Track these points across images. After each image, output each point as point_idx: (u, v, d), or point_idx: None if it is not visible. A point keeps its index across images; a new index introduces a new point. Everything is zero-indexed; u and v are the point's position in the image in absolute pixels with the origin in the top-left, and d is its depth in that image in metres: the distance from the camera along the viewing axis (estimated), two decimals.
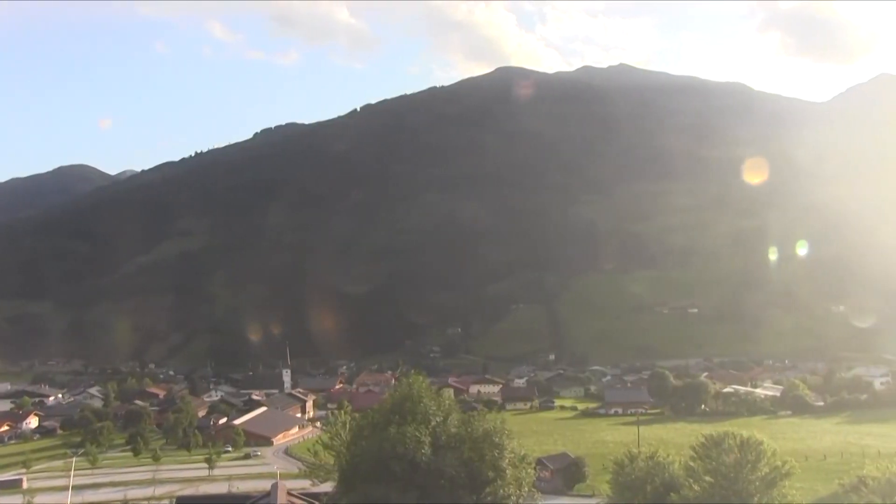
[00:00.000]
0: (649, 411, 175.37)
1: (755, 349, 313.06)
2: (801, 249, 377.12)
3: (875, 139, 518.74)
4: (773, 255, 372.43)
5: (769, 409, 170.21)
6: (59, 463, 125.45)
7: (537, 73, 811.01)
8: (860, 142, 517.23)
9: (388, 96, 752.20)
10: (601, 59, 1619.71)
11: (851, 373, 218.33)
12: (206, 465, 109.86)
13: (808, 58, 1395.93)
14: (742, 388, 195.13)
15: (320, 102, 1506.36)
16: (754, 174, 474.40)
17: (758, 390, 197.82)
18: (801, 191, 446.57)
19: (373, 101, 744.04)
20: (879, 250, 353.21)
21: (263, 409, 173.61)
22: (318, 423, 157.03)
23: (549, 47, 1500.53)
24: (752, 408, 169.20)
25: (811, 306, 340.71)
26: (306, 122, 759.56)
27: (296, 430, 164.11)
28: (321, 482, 65.52)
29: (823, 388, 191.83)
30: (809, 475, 75.89)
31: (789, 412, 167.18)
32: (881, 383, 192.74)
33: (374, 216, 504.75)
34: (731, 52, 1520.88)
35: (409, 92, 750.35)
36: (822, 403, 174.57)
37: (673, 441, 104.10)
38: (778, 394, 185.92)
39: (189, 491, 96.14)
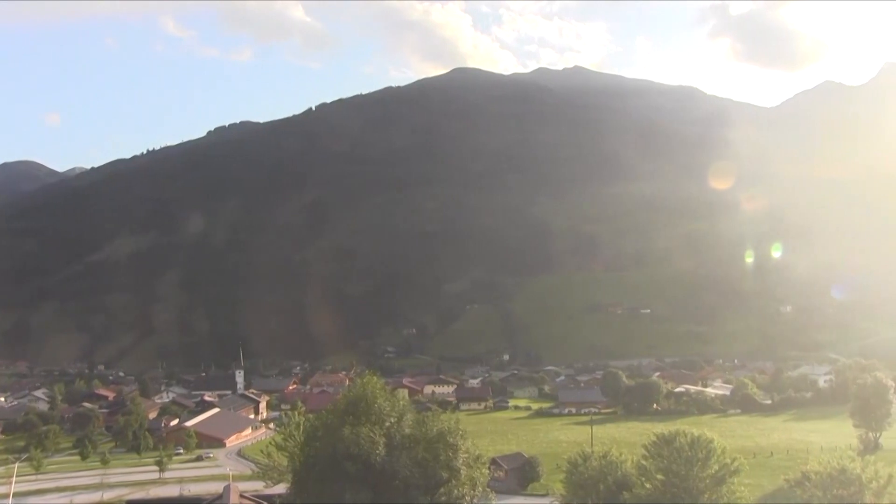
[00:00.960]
0: (602, 411, 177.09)
1: (706, 349, 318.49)
2: (751, 253, 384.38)
3: (820, 143, 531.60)
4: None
5: (719, 407, 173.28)
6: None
7: (493, 74, 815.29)
8: (807, 145, 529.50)
9: (344, 96, 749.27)
10: (556, 61, 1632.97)
11: (797, 372, 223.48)
12: (156, 467, 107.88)
13: (756, 64, 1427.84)
14: (693, 388, 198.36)
15: (274, 101, 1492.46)
16: (707, 177, 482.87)
17: (708, 389, 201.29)
18: (751, 193, 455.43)
19: (328, 101, 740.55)
20: (825, 252, 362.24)
21: (216, 410, 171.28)
22: (271, 425, 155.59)
23: (504, 49, 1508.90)
24: (702, 407, 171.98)
25: (760, 307, 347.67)
26: (260, 121, 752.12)
27: (249, 431, 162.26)
28: (274, 483, 64.96)
29: (771, 387, 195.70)
30: (757, 472, 77.40)
31: (738, 410, 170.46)
32: (825, 381, 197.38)
33: (329, 216, 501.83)
34: (683, 56, 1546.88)
35: (364, 92, 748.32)
36: (769, 402, 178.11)
37: (625, 440, 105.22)
38: (728, 393, 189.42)
39: (139, 494, 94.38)
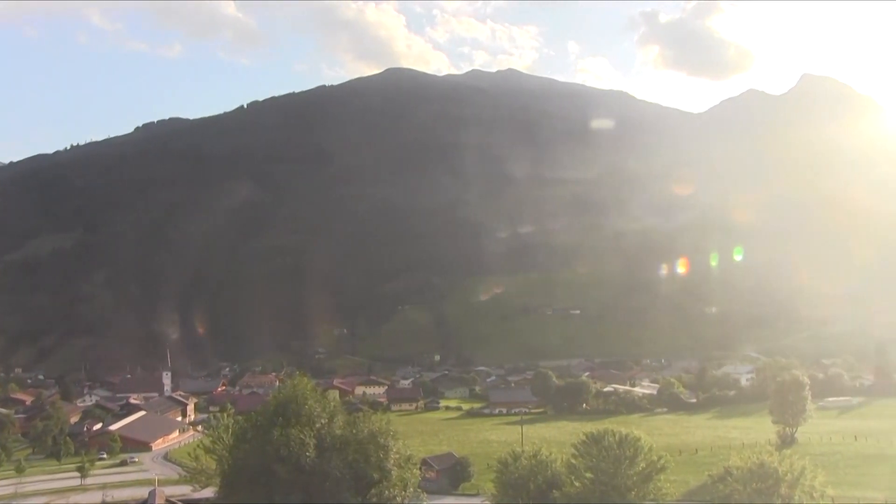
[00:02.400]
0: (533, 411, 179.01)
1: (634, 349, 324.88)
2: (683, 261, 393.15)
3: (745, 148, 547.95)
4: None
5: (646, 406, 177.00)
6: None
7: (427, 75, 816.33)
8: (732, 150, 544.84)
9: (276, 94, 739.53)
10: (489, 63, 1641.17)
11: (721, 371, 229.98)
12: (78, 474, 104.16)
13: (685, 71, 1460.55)
14: (621, 387, 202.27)
15: (205, 98, 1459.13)
16: (636, 179, 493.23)
17: (636, 389, 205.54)
18: (679, 196, 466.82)
19: (260, 99, 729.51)
20: (748, 254, 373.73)
21: (142, 413, 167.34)
22: (199, 427, 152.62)
23: (437, 50, 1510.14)
24: (630, 406, 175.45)
25: (685, 308, 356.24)
26: (191, 118, 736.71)
27: (176, 434, 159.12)
28: (202, 487, 63.72)
29: (696, 386, 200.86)
30: (682, 468, 79.38)
31: (665, 409, 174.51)
32: (747, 380, 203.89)
33: (260, 215, 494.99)
34: (613, 61, 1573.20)
35: (297, 90, 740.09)
36: (694, 400, 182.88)
37: (555, 439, 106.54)
38: (655, 392, 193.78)
39: (59, 503, 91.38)
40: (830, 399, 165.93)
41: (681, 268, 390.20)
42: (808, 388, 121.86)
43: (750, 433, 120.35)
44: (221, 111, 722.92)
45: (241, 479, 48.77)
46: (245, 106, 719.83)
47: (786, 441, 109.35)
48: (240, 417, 62.34)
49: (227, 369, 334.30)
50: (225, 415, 66.51)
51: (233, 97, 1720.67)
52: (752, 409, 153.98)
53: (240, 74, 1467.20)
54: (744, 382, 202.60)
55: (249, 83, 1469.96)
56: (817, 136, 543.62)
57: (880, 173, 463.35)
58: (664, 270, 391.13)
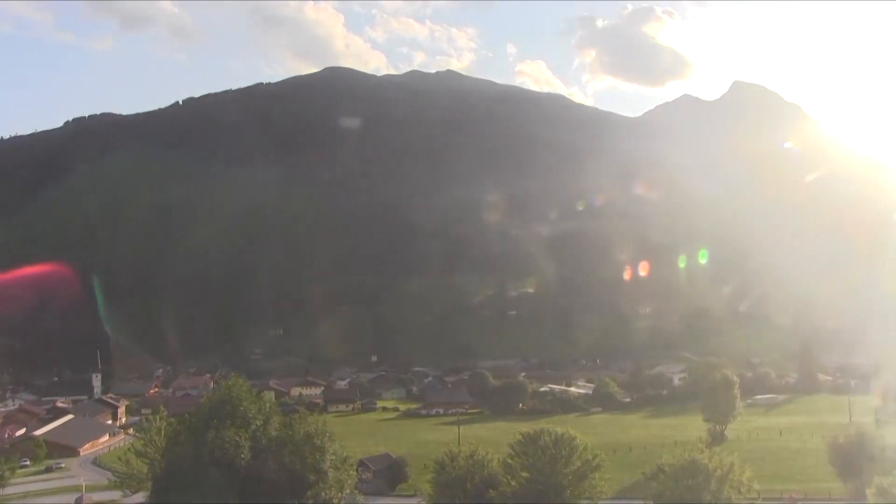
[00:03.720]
0: (469, 411, 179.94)
1: (570, 349, 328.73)
2: (621, 254, 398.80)
3: (680, 152, 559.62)
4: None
5: (582, 406, 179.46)
6: None
7: (366, 75, 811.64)
8: (667, 154, 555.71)
9: (213, 90, 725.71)
10: (428, 64, 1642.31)
11: (655, 371, 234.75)
12: None
13: (621, 76, 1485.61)
14: (557, 387, 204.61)
15: (139, 93, 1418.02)
16: (572, 182, 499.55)
17: (572, 389, 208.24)
18: (613, 198, 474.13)
19: (196, 95, 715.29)
20: (678, 255, 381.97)
21: (69, 417, 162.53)
22: (130, 430, 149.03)
23: (376, 50, 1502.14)
24: (566, 405, 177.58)
25: (620, 308, 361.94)
26: (124, 113, 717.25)
27: (106, 438, 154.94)
28: (133, 492, 62.33)
29: (630, 386, 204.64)
30: (616, 467, 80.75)
31: (600, 408, 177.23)
32: (679, 379, 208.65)
33: (194, 213, 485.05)
34: (552, 65, 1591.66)
35: (234, 87, 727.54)
36: (629, 399, 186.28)
37: (492, 439, 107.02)
38: (590, 392, 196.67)
39: None
40: (758, 397, 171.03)
41: (615, 269, 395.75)
42: (737, 386, 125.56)
43: (682, 431, 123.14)
44: (156, 107, 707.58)
45: (173, 483, 47.78)
46: (181, 102, 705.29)
47: (716, 438, 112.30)
48: (173, 420, 61.03)
49: (161, 371, 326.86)
50: (157, 417, 65.05)
51: (168, 92, 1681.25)
52: (684, 407, 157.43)
53: (175, 70, 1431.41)
54: (676, 382, 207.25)
55: (185, 79, 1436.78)
56: (747, 141, 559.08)
57: (806, 177, 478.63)
58: (599, 272, 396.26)
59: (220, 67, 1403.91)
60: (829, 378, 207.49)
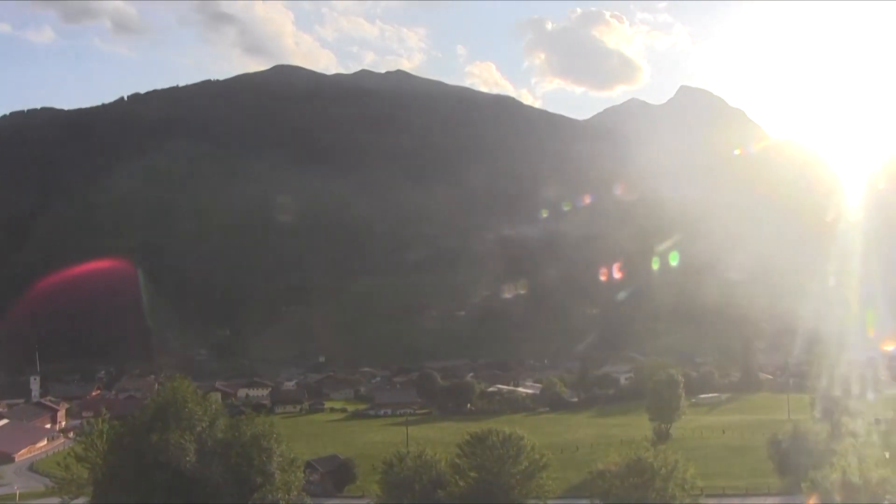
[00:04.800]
0: (418, 412, 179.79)
1: (518, 350, 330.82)
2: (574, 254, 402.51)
3: (627, 154, 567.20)
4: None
5: (530, 406, 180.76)
6: None
7: (315, 73, 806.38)
8: (615, 156, 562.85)
9: (159, 87, 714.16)
10: (378, 63, 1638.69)
11: (601, 371, 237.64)
12: None
13: (570, 79, 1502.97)
14: (505, 388, 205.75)
15: (82, 88, 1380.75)
16: (522, 183, 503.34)
17: (520, 389, 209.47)
18: (563, 200, 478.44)
19: (142, 91, 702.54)
20: (626, 256, 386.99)
21: (4, 421, 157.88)
22: (71, 434, 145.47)
23: (326, 48, 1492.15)
24: (514, 405, 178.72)
25: (567, 309, 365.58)
26: (66, 108, 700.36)
27: (44, 442, 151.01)
28: (72, 499, 60.70)
29: (578, 385, 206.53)
30: (564, 466, 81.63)
31: (548, 408, 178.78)
32: (626, 379, 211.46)
33: (140, 211, 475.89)
34: (501, 66, 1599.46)
35: (181, 84, 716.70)
36: (576, 399, 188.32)
37: (440, 440, 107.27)
38: (538, 392, 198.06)
39: None
40: (702, 396, 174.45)
41: (563, 270, 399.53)
42: (681, 386, 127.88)
43: (628, 430, 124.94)
44: (100, 102, 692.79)
45: (115, 487, 46.85)
46: (126, 98, 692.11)
47: (661, 437, 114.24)
48: (116, 422, 59.73)
49: (103, 372, 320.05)
50: (100, 420, 63.49)
51: (113, 88, 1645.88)
52: (630, 407, 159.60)
53: (120, 65, 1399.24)
54: (623, 381, 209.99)
55: (131, 74, 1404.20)
56: (695, 145, 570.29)
57: (747, 182, 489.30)
58: (547, 272, 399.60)
59: (167, 64, 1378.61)
60: (770, 377, 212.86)
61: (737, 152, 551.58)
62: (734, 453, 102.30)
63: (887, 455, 70.95)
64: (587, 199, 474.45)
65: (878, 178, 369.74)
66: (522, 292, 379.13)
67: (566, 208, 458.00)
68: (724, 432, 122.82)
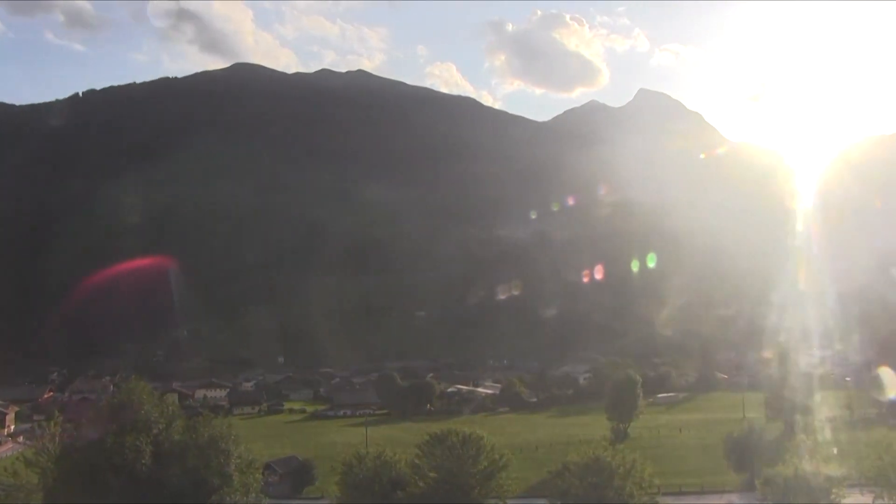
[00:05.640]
0: (377, 412, 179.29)
1: (478, 350, 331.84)
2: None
3: (587, 156, 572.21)
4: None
5: (489, 406, 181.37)
6: None
7: (276, 72, 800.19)
8: (574, 157, 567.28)
9: (115, 83, 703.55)
10: (338, 63, 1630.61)
11: (561, 371, 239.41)
12: None
13: (531, 81, 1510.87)
14: (465, 388, 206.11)
15: (34, 82, 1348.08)
16: (481, 184, 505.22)
17: (479, 389, 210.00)
18: (523, 201, 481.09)
19: (97, 87, 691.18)
20: (586, 257, 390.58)
21: None
22: (20, 438, 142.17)
23: (286, 47, 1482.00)
24: (474, 406, 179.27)
25: (526, 310, 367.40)
26: (16, 104, 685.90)
27: None
28: None
29: (537, 386, 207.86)
30: (523, 465, 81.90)
31: (507, 408, 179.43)
32: (584, 379, 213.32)
33: (95, 209, 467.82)
34: (462, 67, 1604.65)
35: (138, 80, 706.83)
36: (535, 399, 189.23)
37: (400, 440, 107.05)
38: (497, 392, 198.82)
39: None
40: (660, 395, 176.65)
41: (522, 271, 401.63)
42: (640, 385, 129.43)
43: (587, 430, 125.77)
44: (53, 98, 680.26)
45: (68, 493, 45.91)
46: (80, 94, 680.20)
47: (619, 436, 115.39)
48: (69, 426, 58.56)
49: (56, 374, 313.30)
50: (52, 423, 62.17)
51: (66, 83, 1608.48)
52: (589, 406, 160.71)
53: (74, 60, 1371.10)
54: (582, 382, 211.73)
55: (85, 70, 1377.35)
56: (651, 147, 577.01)
57: (704, 184, 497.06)
58: (506, 273, 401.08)
59: (123, 60, 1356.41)
60: (725, 376, 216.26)
61: (702, 156, 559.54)
62: (691, 452, 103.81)
63: (835, 451, 72.80)
64: (547, 200, 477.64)
65: (831, 175, 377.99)
66: (482, 293, 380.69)
67: (532, 215, 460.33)
68: (680, 431, 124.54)
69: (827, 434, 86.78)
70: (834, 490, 58.73)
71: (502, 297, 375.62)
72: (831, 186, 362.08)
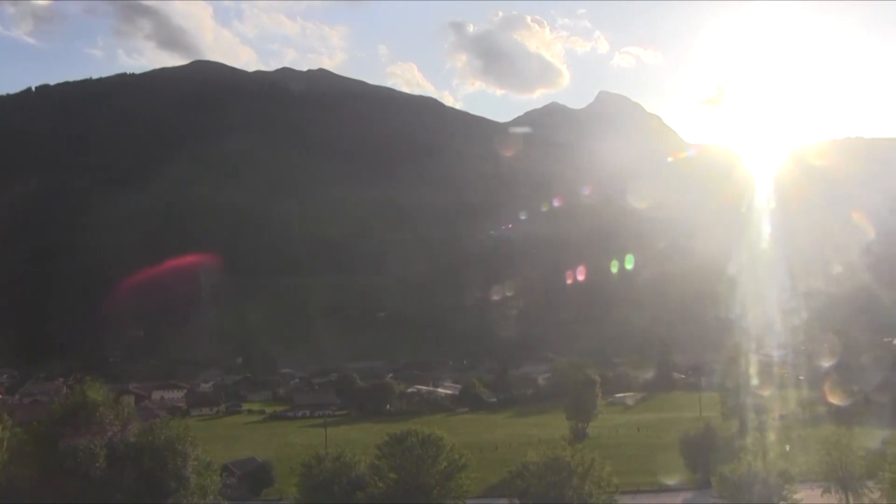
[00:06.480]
0: (337, 413, 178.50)
1: (438, 351, 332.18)
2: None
3: (548, 158, 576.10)
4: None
5: (449, 406, 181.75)
6: None
7: (236, 70, 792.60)
8: (535, 159, 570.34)
9: (71, 78, 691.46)
10: (299, 61, 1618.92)
11: (520, 371, 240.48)
12: None
13: (492, 82, 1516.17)
14: (425, 388, 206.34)
15: None
16: (439, 184, 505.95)
17: (439, 390, 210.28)
18: (484, 202, 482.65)
19: (51, 83, 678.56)
20: (547, 258, 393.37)
21: None
22: None
23: (246, 45, 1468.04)
24: (433, 406, 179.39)
25: (487, 310, 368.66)
26: None
27: None
28: None
29: (497, 386, 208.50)
30: (483, 465, 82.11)
31: (467, 409, 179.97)
32: (543, 379, 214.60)
33: (48, 209, 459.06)
34: (424, 68, 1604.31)
35: (94, 76, 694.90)
36: (495, 399, 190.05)
37: (360, 441, 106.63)
38: (457, 392, 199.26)
39: None
40: (618, 395, 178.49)
41: (482, 271, 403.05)
42: (598, 385, 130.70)
43: (546, 429, 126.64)
44: (5, 93, 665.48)
45: (16, 499, 44.92)
46: (34, 89, 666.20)
47: (578, 436, 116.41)
48: (18, 429, 57.28)
49: (6, 376, 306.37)
50: (1, 427, 60.81)
51: (18, 78, 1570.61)
52: (548, 406, 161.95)
53: (25, 53, 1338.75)
54: (541, 382, 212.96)
55: (38, 64, 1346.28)
56: (610, 149, 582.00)
57: (666, 185, 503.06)
58: (466, 273, 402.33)
59: (79, 55, 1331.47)
60: (683, 376, 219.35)
61: (670, 160, 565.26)
62: (648, 451, 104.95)
63: (788, 448, 74.39)
64: (507, 201, 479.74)
65: (785, 177, 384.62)
66: (442, 294, 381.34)
67: (494, 216, 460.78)
68: (638, 430, 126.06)
69: (780, 432, 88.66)
70: (786, 486, 60.17)
71: (462, 297, 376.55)
72: (786, 188, 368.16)
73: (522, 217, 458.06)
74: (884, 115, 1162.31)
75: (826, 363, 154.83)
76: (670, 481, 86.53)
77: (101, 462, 44.04)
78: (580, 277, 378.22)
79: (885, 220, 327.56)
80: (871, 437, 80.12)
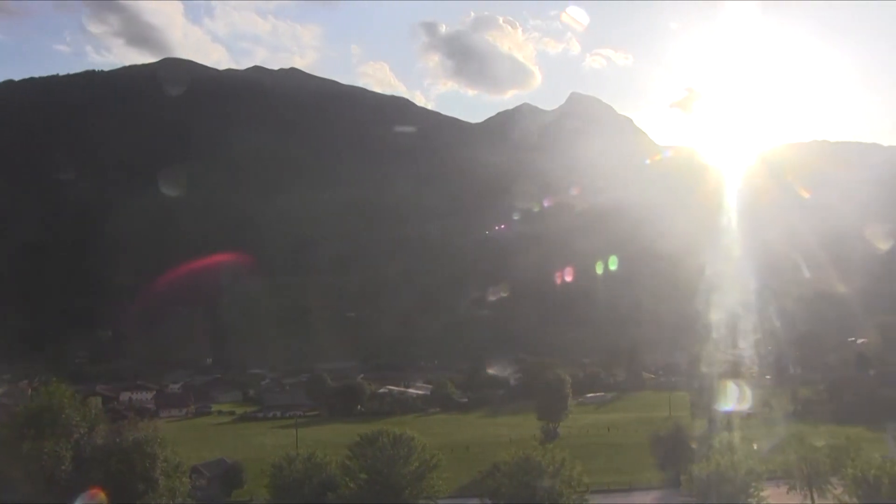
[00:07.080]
0: (307, 413, 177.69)
1: (408, 350, 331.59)
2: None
3: (518, 158, 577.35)
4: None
5: (420, 407, 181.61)
6: None
7: (207, 68, 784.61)
8: (504, 159, 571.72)
9: (37, 75, 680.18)
10: (271, 60, 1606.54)
11: (491, 371, 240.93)
12: None
13: (463, 82, 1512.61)
14: (396, 389, 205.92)
15: None
16: (413, 184, 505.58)
17: (410, 390, 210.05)
18: (457, 202, 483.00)
19: (16, 79, 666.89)
20: (519, 259, 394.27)
21: None
22: None
23: (217, 43, 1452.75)
24: (405, 406, 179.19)
25: (457, 309, 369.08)
26: None
27: None
28: None
29: (468, 386, 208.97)
30: (454, 465, 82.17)
31: (438, 409, 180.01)
32: (515, 379, 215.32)
33: (14, 208, 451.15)
34: (395, 68, 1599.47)
35: (61, 73, 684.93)
36: (466, 399, 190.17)
37: (331, 441, 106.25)
38: (428, 392, 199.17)
39: None
40: (589, 395, 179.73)
41: (454, 271, 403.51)
42: (569, 385, 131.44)
43: (517, 429, 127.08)
44: None
45: None
46: None
47: (549, 435, 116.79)
48: None
49: None
50: None
51: None
52: (519, 406, 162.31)
53: None
54: (512, 382, 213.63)
55: (2, 60, 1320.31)
56: (582, 150, 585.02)
57: (639, 186, 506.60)
58: (438, 274, 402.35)
59: (44, 51, 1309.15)
60: (653, 376, 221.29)
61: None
62: (618, 450, 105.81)
63: (755, 447, 75.37)
64: (480, 202, 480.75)
65: (752, 178, 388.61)
66: (412, 294, 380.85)
67: (464, 216, 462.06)
68: (609, 430, 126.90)
69: (747, 431, 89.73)
70: (753, 484, 60.95)
71: (433, 297, 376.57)
72: (754, 189, 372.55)
73: (493, 217, 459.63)
74: (848, 120, 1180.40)
75: (792, 362, 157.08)
76: (640, 480, 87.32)
77: (67, 465, 43.47)
78: (552, 278, 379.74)
79: (849, 221, 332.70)
80: (835, 434, 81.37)
